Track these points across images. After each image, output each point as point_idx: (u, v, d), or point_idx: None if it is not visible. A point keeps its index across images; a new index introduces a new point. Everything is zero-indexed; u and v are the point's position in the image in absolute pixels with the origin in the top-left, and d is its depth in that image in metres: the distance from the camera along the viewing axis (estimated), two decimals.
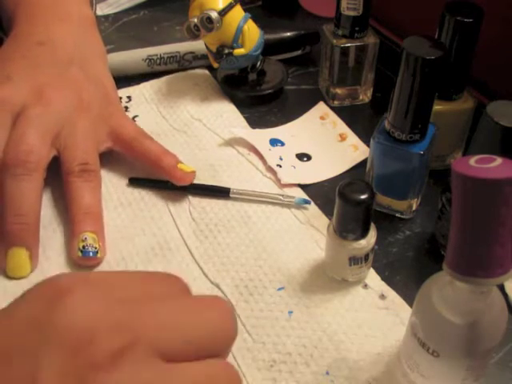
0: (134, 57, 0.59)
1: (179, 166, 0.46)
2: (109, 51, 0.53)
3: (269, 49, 0.58)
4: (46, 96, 0.43)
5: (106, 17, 0.69)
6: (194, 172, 0.47)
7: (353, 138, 0.52)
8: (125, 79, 0.55)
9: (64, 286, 0.23)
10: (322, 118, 0.55)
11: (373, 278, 0.41)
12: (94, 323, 0.22)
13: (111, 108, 0.48)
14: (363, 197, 0.35)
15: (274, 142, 0.52)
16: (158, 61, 0.59)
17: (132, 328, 0.23)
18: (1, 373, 0.22)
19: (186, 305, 0.25)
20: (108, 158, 0.49)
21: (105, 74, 0.50)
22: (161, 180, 0.47)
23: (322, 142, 0.52)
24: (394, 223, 0.45)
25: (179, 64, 0.60)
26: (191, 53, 0.59)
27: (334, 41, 0.52)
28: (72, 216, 0.42)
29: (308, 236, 0.44)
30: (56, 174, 0.44)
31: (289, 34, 0.61)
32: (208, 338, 0.24)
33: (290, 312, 0.39)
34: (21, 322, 0.22)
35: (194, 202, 0.47)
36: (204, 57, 0.58)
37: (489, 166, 0.24)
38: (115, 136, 0.47)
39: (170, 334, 0.23)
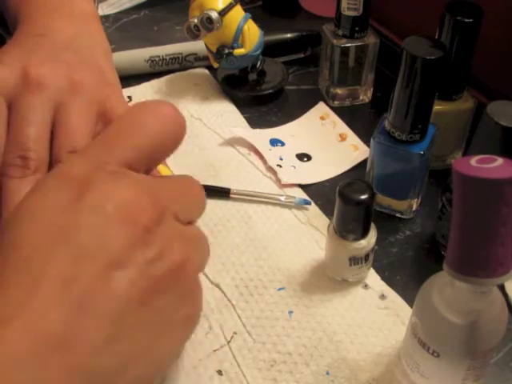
0: (136, 57, 0.59)
1: (159, 167, 0.43)
2: None
3: (270, 51, 0.58)
4: (36, 78, 0.42)
5: (107, 17, 0.69)
6: None
7: (353, 138, 0.52)
8: (125, 79, 0.55)
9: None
10: (322, 118, 0.55)
11: (373, 278, 0.41)
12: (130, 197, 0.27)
13: (108, 90, 0.45)
14: (363, 197, 0.35)
15: (274, 141, 0.52)
16: (160, 62, 0.59)
17: (156, 198, 0.28)
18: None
19: None
20: None
21: (104, 59, 0.49)
22: None
23: (322, 142, 0.52)
24: (394, 223, 0.45)
25: (181, 65, 0.60)
26: (193, 54, 0.59)
27: (334, 41, 0.52)
28: None
29: (308, 236, 0.44)
30: None
31: (290, 35, 0.61)
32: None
33: (290, 312, 0.39)
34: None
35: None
36: (206, 58, 0.58)
37: (489, 166, 0.24)
38: (106, 120, 0.44)
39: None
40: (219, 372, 0.36)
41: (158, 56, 0.59)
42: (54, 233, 0.26)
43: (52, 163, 0.42)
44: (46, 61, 0.44)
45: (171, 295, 0.28)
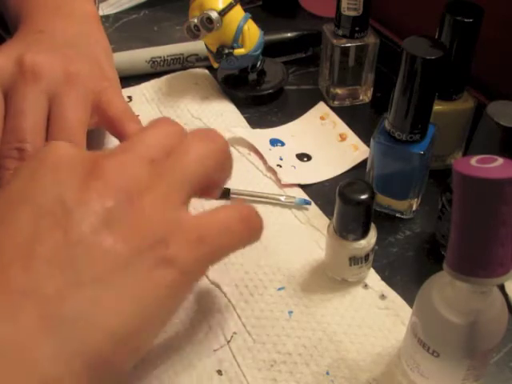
0: (137, 58, 0.59)
1: None
2: None
3: (271, 51, 0.58)
4: (32, 67, 0.42)
5: (107, 17, 0.69)
6: None
7: (353, 138, 0.52)
8: (125, 79, 0.55)
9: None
10: (322, 118, 0.55)
11: (373, 278, 0.41)
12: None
13: (105, 83, 0.46)
14: (363, 197, 0.35)
15: (274, 141, 0.52)
16: (162, 63, 0.59)
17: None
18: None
19: None
20: None
21: (103, 56, 0.48)
22: None
23: (322, 142, 0.52)
24: (394, 223, 0.45)
25: (182, 65, 0.60)
26: (195, 54, 0.59)
27: (334, 41, 0.52)
28: None
29: (308, 236, 0.44)
30: None
31: (291, 35, 0.61)
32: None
33: (290, 312, 0.39)
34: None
35: (194, 202, 0.46)
36: (207, 58, 0.58)
37: (490, 165, 0.24)
38: (101, 112, 0.45)
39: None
40: (219, 372, 0.36)
41: (160, 57, 0.59)
42: (14, 197, 0.28)
43: None
44: (42, 51, 0.44)
45: (136, 238, 0.27)
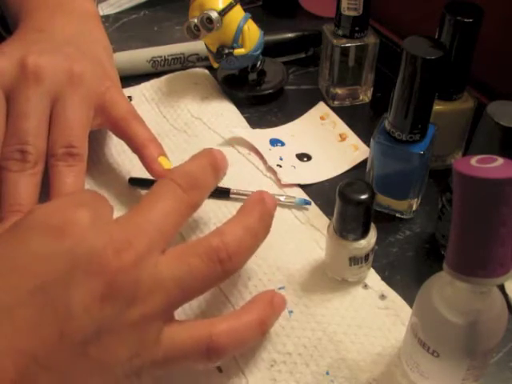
0: (138, 58, 0.59)
1: (160, 159, 0.44)
2: None
3: (272, 51, 0.58)
4: (34, 69, 0.42)
5: (107, 17, 0.69)
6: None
7: (353, 138, 0.52)
8: (125, 79, 0.55)
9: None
10: (322, 118, 0.55)
11: (373, 278, 0.41)
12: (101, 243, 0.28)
13: (108, 83, 0.46)
14: (363, 197, 0.35)
15: (274, 141, 0.52)
16: (163, 62, 0.59)
17: (125, 237, 0.30)
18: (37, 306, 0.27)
19: None
20: (108, 157, 0.49)
21: (104, 54, 0.48)
22: None
23: (322, 142, 0.52)
24: (394, 223, 0.45)
25: (183, 65, 0.60)
26: (195, 54, 0.59)
27: (334, 41, 0.52)
28: None
29: (308, 236, 0.44)
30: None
31: (291, 35, 0.61)
32: None
33: (290, 312, 0.39)
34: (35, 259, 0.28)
35: None
36: (208, 58, 0.58)
37: (490, 165, 0.24)
38: (105, 112, 0.45)
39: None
40: (219, 369, 0.36)
41: (160, 56, 0.59)
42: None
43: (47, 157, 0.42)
44: (45, 52, 0.43)
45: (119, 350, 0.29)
